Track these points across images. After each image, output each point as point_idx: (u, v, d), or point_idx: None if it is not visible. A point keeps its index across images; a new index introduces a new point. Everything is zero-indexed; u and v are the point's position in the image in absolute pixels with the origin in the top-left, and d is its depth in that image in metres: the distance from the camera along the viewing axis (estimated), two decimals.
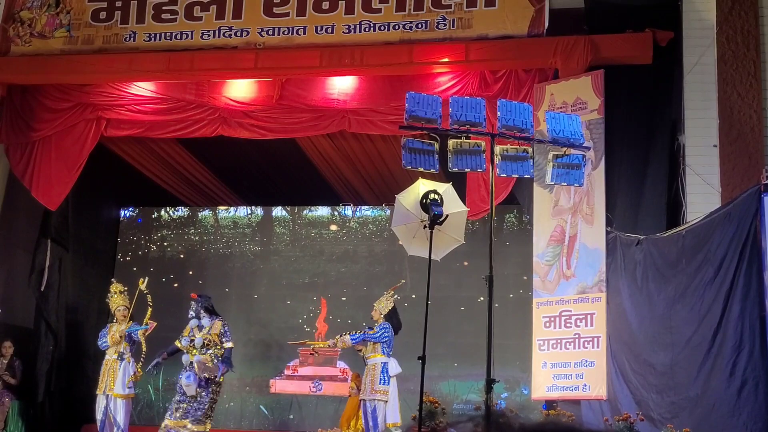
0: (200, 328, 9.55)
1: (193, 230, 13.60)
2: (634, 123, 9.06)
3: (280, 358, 12.50)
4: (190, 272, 13.28)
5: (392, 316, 9.48)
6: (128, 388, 9.46)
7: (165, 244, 13.57)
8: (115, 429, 9.38)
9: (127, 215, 13.70)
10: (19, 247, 11.25)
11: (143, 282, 9.71)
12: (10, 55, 10.51)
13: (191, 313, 9.65)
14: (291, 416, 12.28)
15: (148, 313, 9.63)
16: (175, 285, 13.10)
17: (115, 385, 9.39)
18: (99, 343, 9.82)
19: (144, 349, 9.61)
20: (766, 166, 7.59)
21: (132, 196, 13.34)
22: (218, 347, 9.41)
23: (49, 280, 11.40)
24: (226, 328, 9.57)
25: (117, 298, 9.83)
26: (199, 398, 9.28)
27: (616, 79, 8.92)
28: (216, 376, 9.38)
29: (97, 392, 9.58)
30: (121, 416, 9.40)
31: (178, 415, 9.29)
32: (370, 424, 9.10)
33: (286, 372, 12.38)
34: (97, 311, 12.58)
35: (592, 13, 9.29)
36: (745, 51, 8.79)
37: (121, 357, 9.50)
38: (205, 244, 13.49)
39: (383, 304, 9.52)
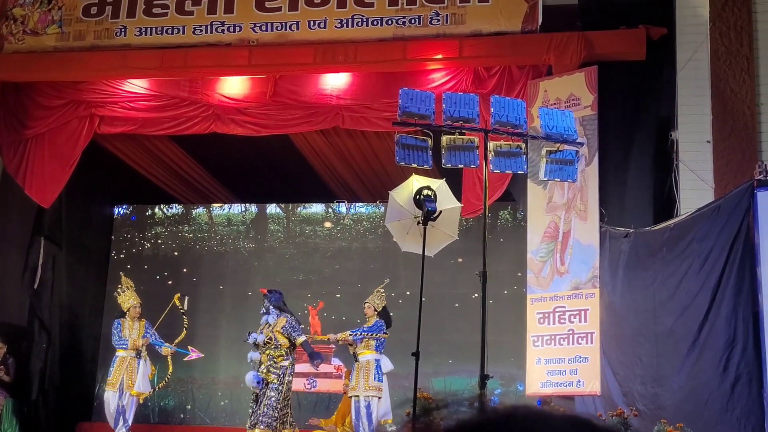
0: (269, 325, 9.29)
1: (187, 228, 13.58)
2: (628, 119, 9.06)
3: None
4: (185, 270, 13.27)
5: (386, 313, 9.50)
6: (146, 385, 9.61)
7: (159, 241, 13.55)
8: (121, 423, 9.46)
9: (121, 213, 13.68)
10: (12, 245, 11.22)
11: (181, 301, 9.91)
12: (3, 52, 10.47)
13: (262, 309, 9.44)
14: None
15: (183, 334, 9.79)
16: (169, 282, 13.09)
17: (134, 383, 9.51)
18: (115, 341, 9.83)
19: (170, 369, 9.93)
20: (759, 162, 7.59)
21: (126, 194, 13.32)
22: (278, 348, 9.08)
23: (43, 278, 11.37)
24: (292, 323, 9.23)
25: (128, 294, 9.91)
26: (267, 401, 8.97)
27: (610, 76, 8.92)
28: (282, 377, 9.01)
29: (108, 389, 9.66)
30: (131, 413, 9.55)
31: (249, 423, 8.98)
32: (364, 420, 9.10)
33: None
34: (90, 309, 12.58)
35: (586, 9, 9.29)
36: (738, 47, 8.79)
37: (138, 355, 9.59)
38: (199, 241, 13.47)
39: (377, 301, 9.54)
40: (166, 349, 9.86)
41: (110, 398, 9.61)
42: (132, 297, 9.91)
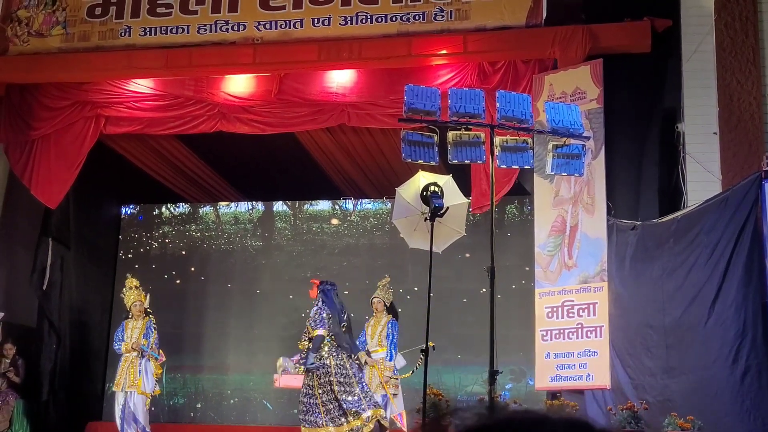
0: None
1: (194, 226, 13.60)
2: (634, 112, 9.05)
3: (283, 353, 12.49)
4: (192, 269, 13.29)
5: (394, 309, 9.50)
6: (151, 385, 9.55)
7: (166, 240, 13.57)
8: (135, 425, 9.44)
9: (128, 212, 13.71)
10: (20, 245, 11.25)
11: (145, 298, 9.78)
12: (9, 54, 10.49)
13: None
14: (295, 411, 12.28)
15: (154, 336, 9.71)
16: (177, 282, 13.12)
17: (135, 382, 9.46)
18: (115, 346, 9.85)
19: (160, 370, 9.83)
20: (766, 153, 7.58)
21: (133, 194, 13.34)
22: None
23: (51, 278, 11.41)
24: (315, 312, 8.58)
25: (132, 294, 9.87)
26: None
27: (615, 68, 8.90)
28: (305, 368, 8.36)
29: (114, 389, 9.71)
30: (140, 413, 9.48)
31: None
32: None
33: None
34: (99, 309, 12.62)
35: (590, 2, 9.28)
36: (743, 38, 8.77)
37: (141, 354, 9.56)
38: (206, 240, 13.49)
39: (387, 296, 9.53)
40: (151, 357, 9.70)
41: (116, 399, 9.65)
42: (132, 295, 9.85)
